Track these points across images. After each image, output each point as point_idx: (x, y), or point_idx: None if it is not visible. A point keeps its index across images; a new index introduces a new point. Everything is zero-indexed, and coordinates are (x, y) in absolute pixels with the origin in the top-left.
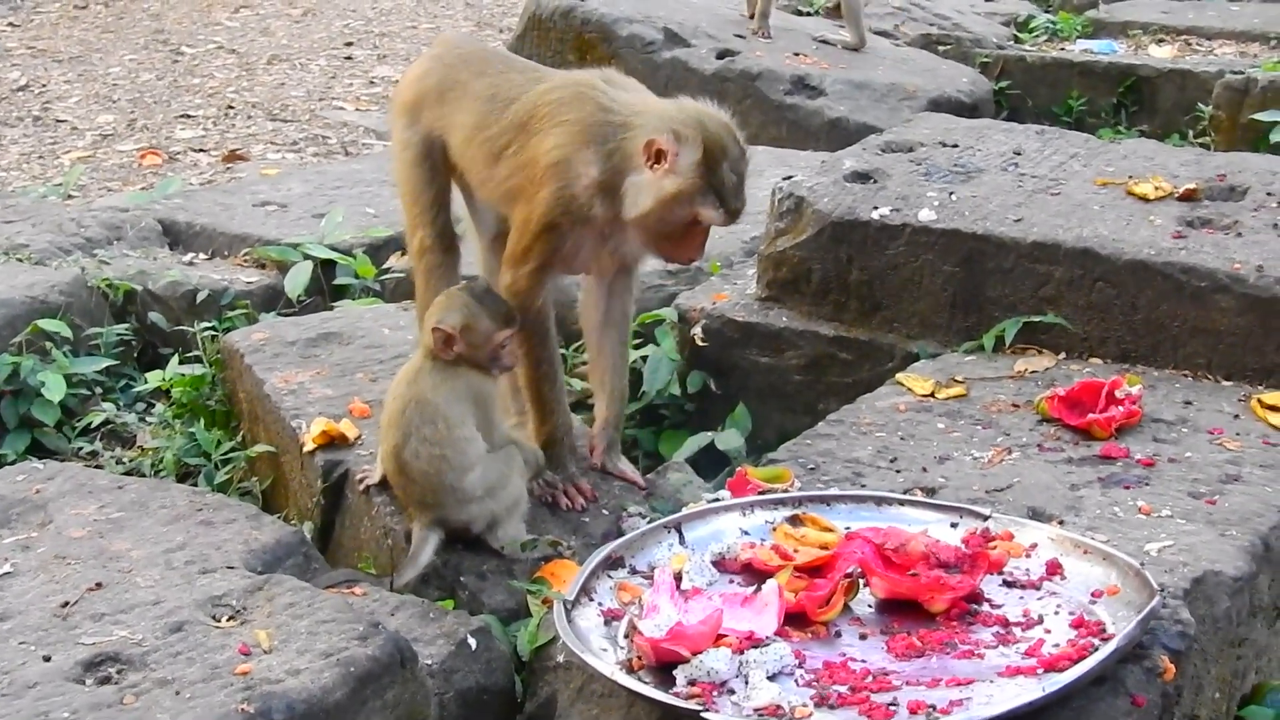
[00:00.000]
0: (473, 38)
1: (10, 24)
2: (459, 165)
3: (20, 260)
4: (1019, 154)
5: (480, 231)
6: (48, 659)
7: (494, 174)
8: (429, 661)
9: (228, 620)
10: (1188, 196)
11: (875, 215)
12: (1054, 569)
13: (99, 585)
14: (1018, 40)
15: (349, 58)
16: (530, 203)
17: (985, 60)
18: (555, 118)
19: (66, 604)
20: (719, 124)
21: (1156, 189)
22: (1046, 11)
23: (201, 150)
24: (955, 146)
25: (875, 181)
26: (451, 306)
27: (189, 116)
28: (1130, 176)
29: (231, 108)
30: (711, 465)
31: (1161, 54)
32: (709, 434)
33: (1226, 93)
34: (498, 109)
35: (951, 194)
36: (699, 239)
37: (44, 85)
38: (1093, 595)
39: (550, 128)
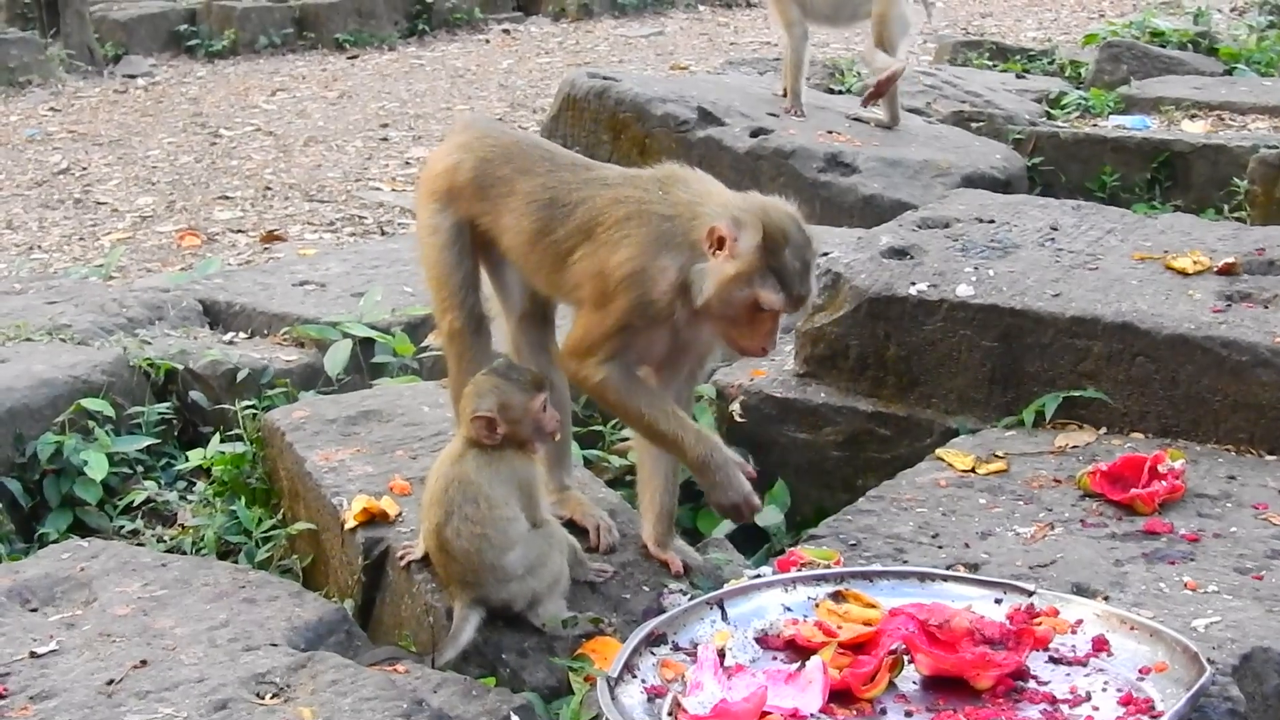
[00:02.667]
0: (500, 124)
1: (52, 108)
2: (519, 266)
3: (63, 340)
4: (1055, 229)
5: (507, 310)
6: None
7: (562, 278)
8: None
9: (271, 698)
10: (1226, 271)
11: (912, 291)
12: (1100, 645)
13: (143, 663)
14: (1050, 116)
15: (385, 139)
16: (603, 309)
17: (1018, 137)
18: (621, 230)
19: (111, 682)
20: (781, 212)
21: (1195, 263)
22: (1078, 88)
23: (240, 231)
24: (991, 222)
25: (912, 257)
26: (482, 392)
27: (227, 198)
28: (1168, 251)
29: (269, 189)
30: (750, 542)
31: (1195, 129)
32: None
33: (1261, 167)
34: (561, 214)
35: (989, 270)
36: (767, 327)
37: (85, 168)
38: (1140, 672)
39: (619, 239)
